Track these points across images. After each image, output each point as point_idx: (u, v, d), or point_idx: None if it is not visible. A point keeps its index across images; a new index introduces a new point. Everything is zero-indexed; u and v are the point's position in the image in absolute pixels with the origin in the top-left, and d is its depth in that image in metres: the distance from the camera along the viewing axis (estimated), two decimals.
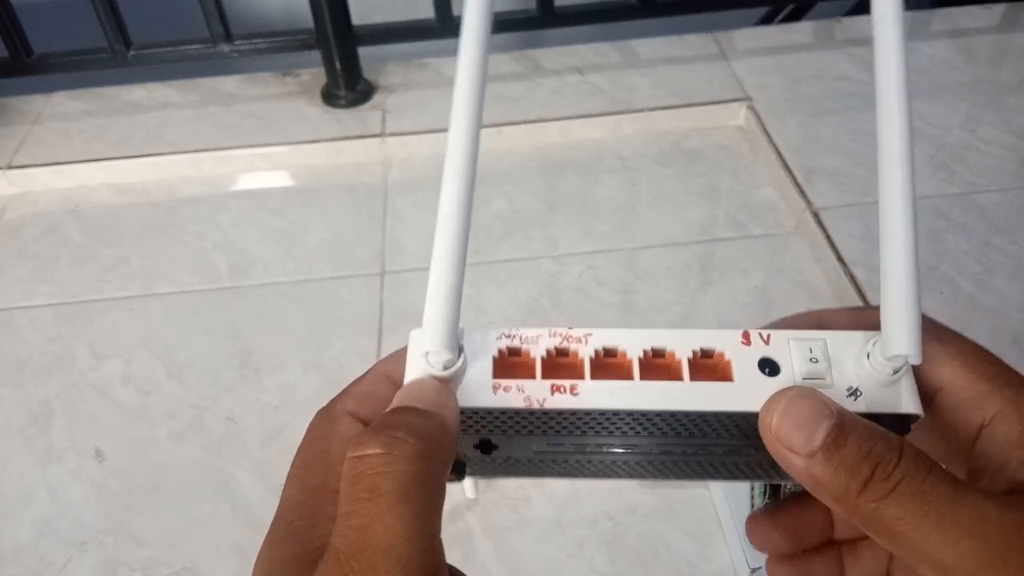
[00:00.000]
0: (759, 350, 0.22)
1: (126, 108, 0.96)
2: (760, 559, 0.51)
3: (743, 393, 0.21)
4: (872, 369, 0.21)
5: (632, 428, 0.22)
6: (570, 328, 0.22)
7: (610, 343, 0.22)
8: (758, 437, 0.21)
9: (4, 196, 0.87)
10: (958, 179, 0.78)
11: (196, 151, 0.88)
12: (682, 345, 0.22)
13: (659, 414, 0.22)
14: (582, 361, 0.22)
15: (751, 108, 0.89)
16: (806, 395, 0.20)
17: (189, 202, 0.85)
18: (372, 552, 0.18)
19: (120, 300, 0.74)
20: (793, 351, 0.22)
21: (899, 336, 0.20)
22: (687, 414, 0.22)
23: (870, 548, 0.26)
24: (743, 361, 0.22)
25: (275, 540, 0.21)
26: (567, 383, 0.21)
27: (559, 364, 0.22)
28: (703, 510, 0.56)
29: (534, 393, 0.21)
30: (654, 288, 0.71)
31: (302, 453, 0.22)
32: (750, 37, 1.00)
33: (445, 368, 0.21)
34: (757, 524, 0.26)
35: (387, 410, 0.21)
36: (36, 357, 0.70)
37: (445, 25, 0.89)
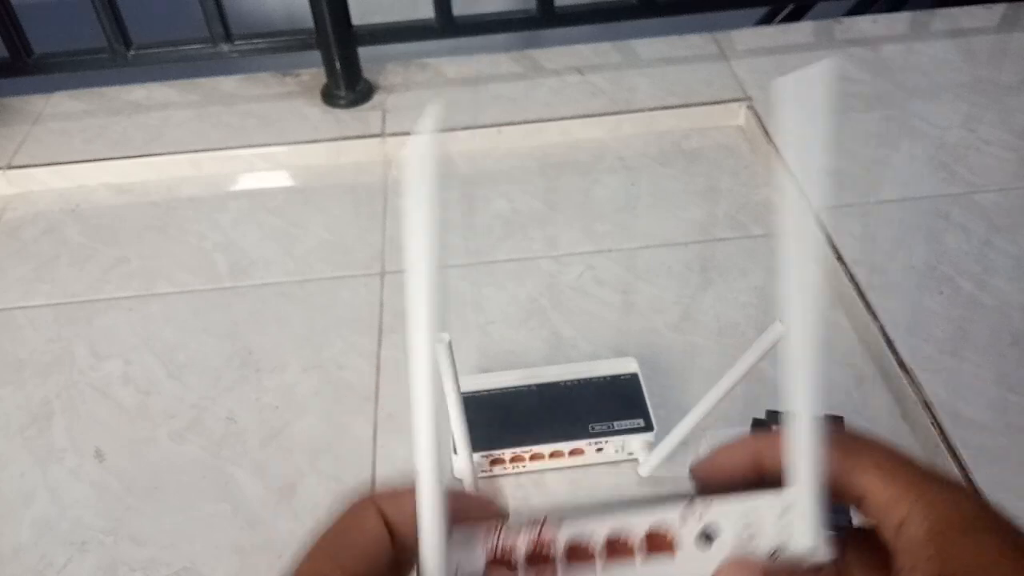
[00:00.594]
0: (698, 523, 0.26)
1: (126, 108, 0.96)
2: None
3: (686, 564, 0.26)
4: (789, 537, 0.26)
5: None
6: (545, 518, 0.27)
7: (575, 533, 0.26)
8: None
9: (4, 196, 0.87)
10: (958, 179, 0.78)
11: (196, 151, 0.88)
12: (636, 528, 0.26)
13: None
14: (556, 553, 0.26)
15: (751, 108, 0.89)
16: (741, 567, 0.25)
17: (189, 202, 0.85)
18: None
19: (120, 300, 0.74)
20: (727, 521, 0.26)
21: (806, 536, 0.25)
22: None
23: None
24: (685, 533, 0.26)
25: None
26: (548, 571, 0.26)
27: (537, 556, 0.27)
28: None
29: None
30: (654, 288, 0.71)
31: (331, 536, 0.27)
32: (750, 37, 1.00)
33: None
34: None
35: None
36: (36, 357, 0.70)
37: (445, 25, 0.89)
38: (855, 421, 0.58)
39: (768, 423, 0.55)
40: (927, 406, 0.59)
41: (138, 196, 0.86)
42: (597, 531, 0.26)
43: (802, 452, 0.25)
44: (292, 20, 0.96)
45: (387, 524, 0.27)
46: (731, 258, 0.74)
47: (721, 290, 0.71)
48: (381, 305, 0.72)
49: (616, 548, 0.26)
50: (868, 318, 0.65)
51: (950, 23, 1.00)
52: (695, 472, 0.29)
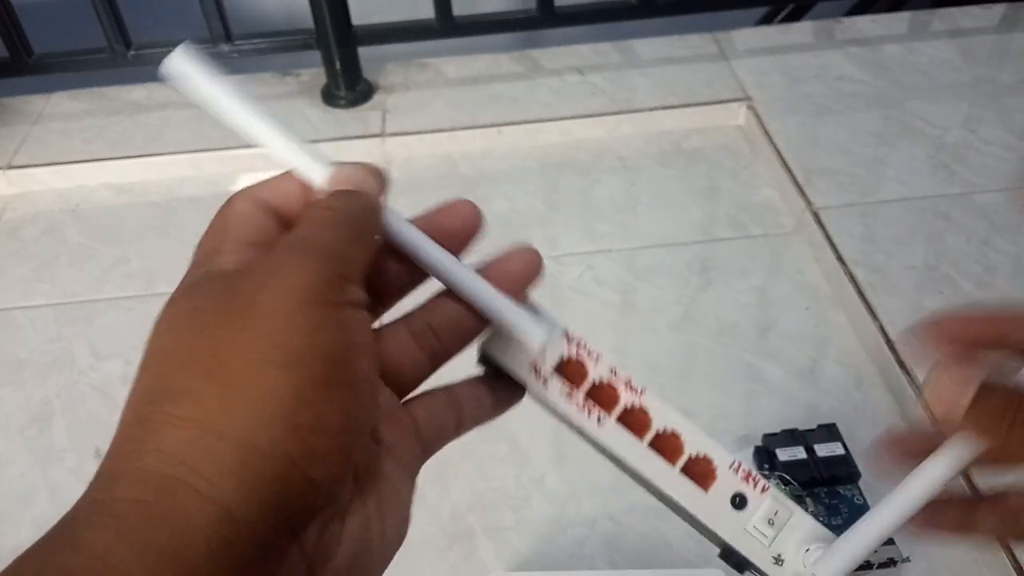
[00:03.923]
0: (742, 485, 0.26)
1: (126, 108, 0.96)
2: None
3: (706, 505, 0.26)
4: (803, 561, 0.26)
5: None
6: (631, 377, 0.26)
7: (645, 404, 0.26)
8: (703, 528, 0.26)
9: (4, 196, 0.87)
10: (958, 179, 0.78)
11: (196, 151, 0.88)
12: (694, 442, 0.26)
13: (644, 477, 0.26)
14: (618, 402, 0.26)
15: (751, 108, 0.89)
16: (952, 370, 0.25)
17: (189, 202, 0.85)
18: (290, 247, 0.22)
19: (120, 300, 0.74)
20: (764, 503, 0.26)
21: (826, 571, 0.25)
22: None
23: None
24: (725, 483, 0.26)
25: (192, 275, 0.23)
26: (598, 413, 0.26)
27: (603, 391, 0.26)
28: None
29: (571, 402, 0.26)
30: (654, 288, 0.71)
31: (207, 230, 0.25)
32: (750, 37, 1.00)
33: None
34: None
35: (329, 192, 0.25)
36: (36, 357, 0.70)
37: (445, 25, 0.89)
38: (855, 421, 0.58)
39: (770, 449, 0.54)
40: (927, 406, 0.59)
41: (138, 196, 0.86)
42: (661, 418, 0.26)
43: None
44: (292, 20, 0.96)
45: (272, 210, 0.25)
46: (731, 258, 0.74)
47: (721, 290, 0.71)
48: None
49: (663, 444, 0.26)
50: (868, 318, 0.65)
51: (950, 23, 1.00)
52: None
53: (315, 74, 0.97)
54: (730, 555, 0.27)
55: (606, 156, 0.87)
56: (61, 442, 0.63)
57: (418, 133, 0.88)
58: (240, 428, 0.19)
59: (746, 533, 0.26)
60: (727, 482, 0.26)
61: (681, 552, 0.54)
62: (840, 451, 0.54)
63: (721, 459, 0.26)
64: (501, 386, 0.27)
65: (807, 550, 0.26)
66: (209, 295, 0.21)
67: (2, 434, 0.64)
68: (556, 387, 0.26)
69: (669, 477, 0.26)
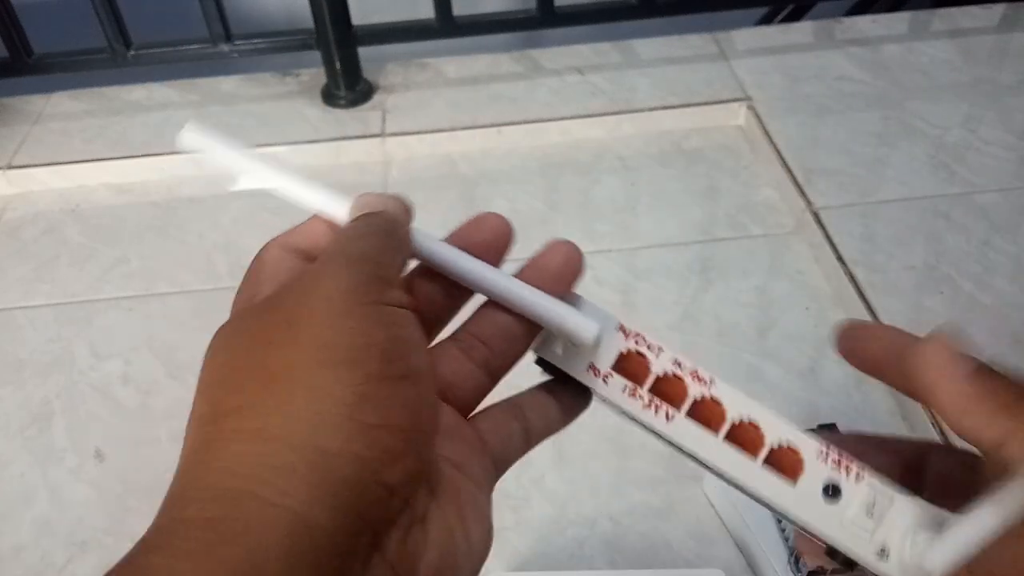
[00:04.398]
0: (833, 474, 0.24)
1: (126, 108, 0.96)
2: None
3: (796, 500, 0.24)
4: (909, 551, 0.23)
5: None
6: (697, 368, 0.25)
7: (717, 394, 0.25)
8: (796, 521, 0.24)
9: (4, 196, 0.87)
10: (958, 179, 0.78)
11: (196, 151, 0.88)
12: (774, 431, 0.24)
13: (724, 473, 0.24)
14: (687, 395, 0.24)
15: (751, 108, 0.89)
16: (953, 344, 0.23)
17: (189, 202, 0.85)
18: (332, 256, 0.22)
19: (120, 300, 0.74)
20: (860, 492, 0.24)
21: (940, 562, 0.22)
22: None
23: None
24: (813, 474, 0.24)
25: (221, 328, 0.24)
26: (666, 408, 0.24)
27: (669, 383, 0.25)
28: (703, 509, 0.55)
29: (635, 400, 0.24)
30: (654, 288, 0.71)
31: (243, 280, 0.26)
32: (750, 37, 1.00)
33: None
34: None
35: (354, 217, 0.25)
36: (36, 357, 0.70)
37: (445, 25, 0.89)
38: (855, 421, 0.58)
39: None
40: (927, 406, 0.59)
41: (138, 196, 0.86)
42: (736, 407, 0.24)
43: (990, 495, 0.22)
44: (292, 20, 0.96)
45: (302, 253, 0.25)
46: (731, 258, 0.74)
47: (721, 290, 0.71)
48: None
49: (743, 435, 0.24)
50: (868, 318, 0.65)
51: (950, 23, 1.00)
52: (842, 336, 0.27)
53: (315, 74, 0.97)
54: (835, 553, 0.25)
55: (606, 156, 0.87)
56: (61, 442, 0.63)
57: (418, 133, 0.88)
58: (305, 432, 0.18)
59: (843, 527, 0.23)
60: (816, 472, 0.24)
61: (681, 552, 0.54)
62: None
63: (808, 447, 0.24)
64: (566, 392, 0.26)
65: (913, 540, 0.23)
66: (253, 316, 0.22)
67: (2, 434, 0.64)
68: (618, 385, 0.24)
69: (751, 472, 0.24)
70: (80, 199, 0.86)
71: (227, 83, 0.98)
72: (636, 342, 0.25)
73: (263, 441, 0.19)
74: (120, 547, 0.62)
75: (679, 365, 0.25)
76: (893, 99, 0.89)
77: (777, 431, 0.24)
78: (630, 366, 0.25)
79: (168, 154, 0.88)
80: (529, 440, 0.25)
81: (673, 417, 0.24)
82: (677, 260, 0.74)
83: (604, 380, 0.24)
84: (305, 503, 0.18)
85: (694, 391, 0.24)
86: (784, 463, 0.24)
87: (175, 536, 0.18)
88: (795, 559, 0.49)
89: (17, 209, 0.86)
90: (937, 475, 0.26)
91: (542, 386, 0.26)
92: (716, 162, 0.85)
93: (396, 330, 0.21)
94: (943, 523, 0.23)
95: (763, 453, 0.24)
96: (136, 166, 0.88)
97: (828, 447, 0.24)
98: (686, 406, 0.24)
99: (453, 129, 0.88)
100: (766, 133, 0.85)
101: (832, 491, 0.24)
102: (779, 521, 0.51)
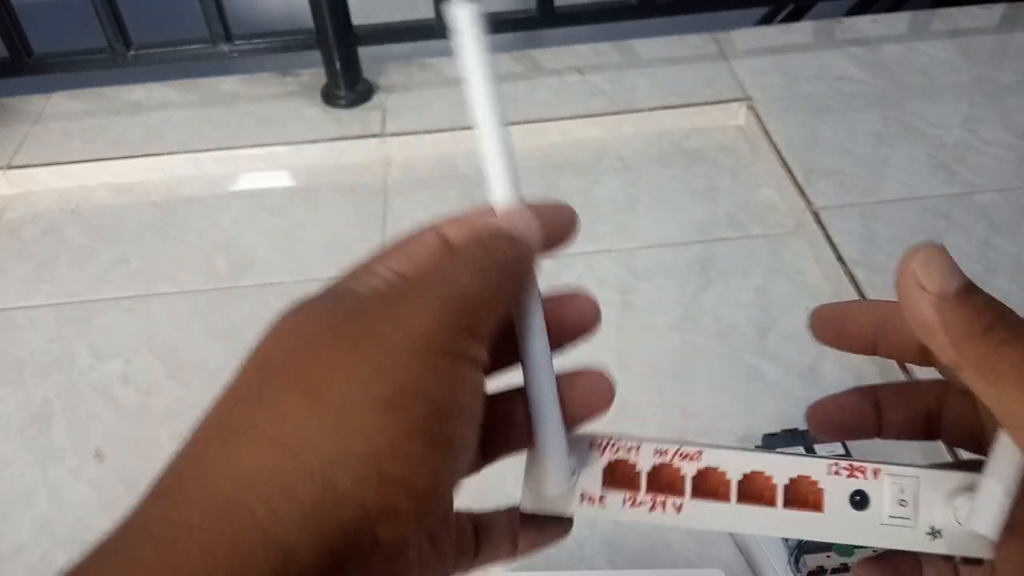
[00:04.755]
0: (852, 482, 0.23)
1: (126, 108, 0.96)
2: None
3: (831, 524, 0.23)
4: (955, 520, 0.23)
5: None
6: (679, 445, 0.24)
7: (711, 463, 0.24)
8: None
9: (4, 196, 0.87)
10: (958, 179, 0.78)
11: (196, 151, 0.88)
12: (779, 470, 0.24)
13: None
14: (683, 477, 0.24)
15: (751, 108, 0.89)
16: (943, 252, 0.22)
17: (189, 202, 0.85)
18: (433, 281, 0.20)
19: (120, 300, 0.74)
20: (885, 487, 0.23)
21: (988, 520, 0.22)
22: None
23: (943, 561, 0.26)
24: (835, 491, 0.23)
25: (341, 283, 0.22)
26: (671, 500, 0.23)
27: (662, 474, 0.24)
28: None
29: (639, 507, 0.24)
30: (654, 288, 0.71)
31: (383, 250, 0.24)
32: (750, 37, 1.00)
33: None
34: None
35: (487, 229, 0.23)
36: (36, 357, 0.70)
37: (445, 25, 0.88)
38: None
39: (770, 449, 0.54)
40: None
41: (138, 196, 0.86)
42: (734, 466, 0.24)
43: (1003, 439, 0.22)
44: (292, 20, 0.96)
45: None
46: (731, 258, 0.74)
47: (721, 290, 0.71)
48: None
49: (752, 490, 0.23)
50: None
51: (950, 23, 1.00)
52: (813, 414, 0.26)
53: (315, 74, 0.97)
54: (890, 554, 0.25)
55: (606, 156, 0.87)
56: (61, 442, 0.63)
57: (418, 133, 0.88)
58: (322, 461, 0.18)
59: (887, 527, 0.23)
60: (837, 489, 0.23)
61: (681, 552, 0.54)
62: (840, 451, 0.54)
63: (817, 469, 0.24)
64: (550, 522, 0.25)
65: (955, 508, 0.23)
66: (331, 311, 0.21)
67: (2, 434, 0.64)
68: (615, 501, 0.24)
69: (779, 520, 0.23)
70: (80, 199, 0.86)
71: (227, 83, 0.98)
72: (614, 450, 0.24)
73: (277, 454, 0.18)
74: None
75: (663, 453, 0.24)
76: (893, 99, 0.89)
77: (782, 468, 0.24)
78: (618, 476, 0.24)
79: (168, 154, 0.88)
80: (514, 552, 0.25)
81: (682, 506, 0.23)
82: (677, 260, 0.74)
83: (600, 503, 0.24)
84: (294, 535, 0.17)
85: (688, 470, 0.24)
86: (804, 496, 0.24)
87: (161, 540, 0.18)
88: (795, 559, 0.49)
89: (17, 209, 0.86)
90: (955, 417, 0.26)
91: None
92: (716, 162, 0.85)
93: (459, 392, 0.20)
94: (973, 484, 0.23)
95: (780, 497, 0.23)
96: (136, 166, 0.88)
97: (835, 461, 0.24)
98: (688, 489, 0.24)
99: (453, 129, 0.88)
100: (766, 133, 0.85)
101: (860, 499, 0.23)
102: None
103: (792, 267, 0.73)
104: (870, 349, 0.26)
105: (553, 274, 0.73)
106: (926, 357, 0.25)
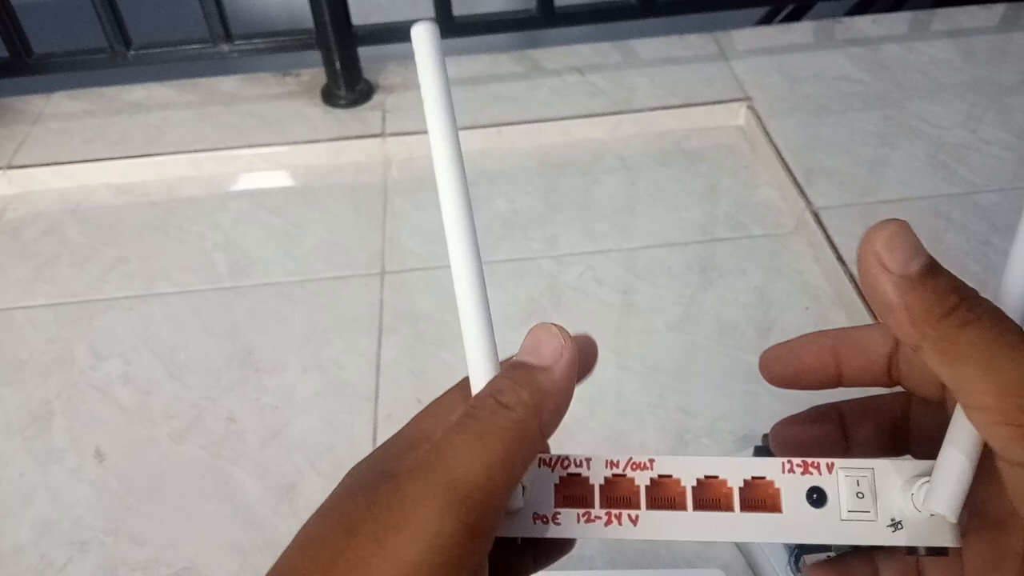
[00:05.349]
0: (807, 479, 0.23)
1: (126, 108, 0.96)
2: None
3: (791, 524, 0.23)
4: (915, 507, 0.22)
5: None
6: (630, 456, 0.23)
7: (664, 471, 0.23)
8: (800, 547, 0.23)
9: (4, 196, 0.87)
10: (958, 179, 0.78)
11: (196, 151, 0.88)
12: (733, 473, 0.23)
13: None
14: (638, 487, 0.23)
15: (751, 108, 0.89)
16: (907, 230, 0.22)
17: (189, 202, 0.85)
18: (435, 470, 0.20)
19: (120, 300, 0.74)
20: (841, 482, 0.23)
21: (946, 499, 0.22)
22: None
23: (902, 560, 0.25)
24: (791, 490, 0.23)
25: (367, 461, 0.22)
26: (626, 513, 0.23)
27: (615, 487, 0.23)
28: None
29: (595, 523, 0.23)
30: (654, 288, 0.71)
31: (423, 411, 0.24)
32: (750, 37, 1.00)
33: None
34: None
35: (510, 363, 0.22)
36: (36, 357, 0.70)
37: (445, 25, 0.89)
38: None
39: (770, 449, 0.54)
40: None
41: (138, 196, 0.86)
42: (687, 472, 0.23)
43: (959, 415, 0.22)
44: (292, 20, 0.96)
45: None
46: (731, 258, 0.74)
47: (721, 290, 0.71)
48: (381, 305, 0.72)
49: (708, 495, 0.23)
50: (868, 318, 0.65)
51: (950, 23, 1.00)
52: (765, 360, 0.26)
53: (315, 74, 0.97)
54: (841, 558, 0.24)
55: (606, 156, 0.87)
56: (61, 442, 0.63)
57: (418, 133, 0.88)
58: None
59: (848, 524, 0.23)
60: (793, 488, 0.23)
61: (681, 552, 0.54)
62: None
63: (772, 469, 0.23)
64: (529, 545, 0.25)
65: (912, 495, 0.22)
66: (342, 520, 0.21)
67: (2, 434, 0.64)
68: (570, 518, 0.23)
69: (738, 524, 0.23)
70: (80, 199, 0.86)
71: (227, 83, 0.98)
72: (564, 466, 0.23)
73: None
74: (120, 547, 0.62)
75: (614, 465, 0.23)
76: (893, 99, 0.89)
77: (736, 471, 0.23)
78: (571, 493, 0.23)
79: (168, 154, 0.88)
80: None
81: (638, 518, 0.23)
82: (677, 260, 0.74)
83: (555, 521, 0.23)
84: None
85: (641, 480, 0.23)
86: (761, 498, 0.23)
87: None
88: (795, 559, 0.49)
89: (17, 209, 0.86)
90: (922, 428, 0.25)
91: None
92: (716, 162, 0.85)
93: None
94: (929, 470, 0.22)
95: (737, 500, 0.23)
96: (136, 166, 0.88)
97: (788, 460, 0.23)
98: (643, 499, 0.23)
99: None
100: (766, 133, 0.85)
101: (817, 497, 0.23)
102: None
103: (792, 267, 0.73)
104: (834, 381, 0.25)
105: (553, 274, 0.73)
106: (893, 379, 0.24)
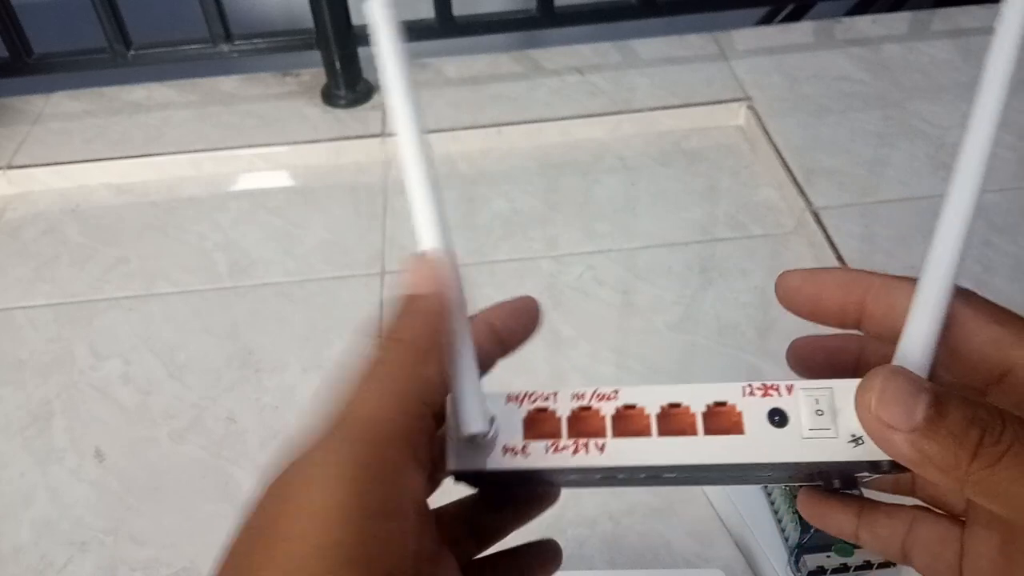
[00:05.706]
0: (768, 401, 0.23)
1: (126, 108, 0.96)
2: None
3: (754, 445, 0.23)
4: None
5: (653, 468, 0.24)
6: (596, 388, 0.24)
7: (629, 400, 0.24)
8: (771, 469, 0.23)
9: (4, 196, 0.87)
10: None
11: (196, 151, 0.88)
12: (696, 399, 0.23)
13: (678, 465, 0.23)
14: (603, 417, 0.23)
15: (751, 108, 0.89)
16: (898, 372, 0.21)
17: (189, 202, 0.85)
18: (344, 416, 0.20)
19: (120, 300, 0.74)
20: (801, 401, 0.23)
21: (916, 350, 0.22)
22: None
23: (889, 515, 0.26)
24: (752, 412, 0.23)
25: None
26: (593, 441, 0.23)
27: (582, 418, 0.24)
28: (703, 509, 0.56)
29: (562, 452, 0.23)
30: (654, 288, 0.71)
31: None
32: (750, 37, 1.00)
33: (482, 438, 0.23)
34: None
35: (398, 297, 0.23)
36: (36, 357, 0.70)
37: (445, 25, 0.89)
38: None
39: None
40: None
41: (138, 196, 0.86)
42: (651, 401, 0.23)
43: (920, 321, 0.22)
44: (292, 20, 0.96)
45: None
46: (731, 258, 0.74)
47: (721, 290, 0.71)
48: (381, 305, 0.72)
49: (672, 422, 0.23)
50: None
51: (950, 23, 1.00)
52: (794, 347, 0.26)
53: (315, 74, 0.97)
54: (826, 473, 0.24)
55: (606, 156, 0.87)
56: (61, 442, 0.63)
57: None
58: None
59: (809, 440, 0.23)
60: (754, 410, 0.23)
61: (681, 552, 0.54)
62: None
63: (732, 393, 0.24)
64: (506, 499, 0.26)
65: None
66: (257, 512, 0.21)
67: (2, 434, 0.64)
68: (539, 449, 0.23)
69: (703, 448, 0.23)
70: (80, 199, 0.86)
71: (227, 83, 0.98)
72: (532, 400, 0.24)
73: None
74: (120, 547, 0.62)
75: (580, 397, 0.24)
76: (893, 99, 0.89)
77: (698, 397, 0.24)
78: (538, 425, 0.24)
79: (168, 154, 0.88)
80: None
81: (604, 445, 0.23)
82: (677, 260, 0.74)
83: (524, 452, 0.23)
84: None
85: (607, 410, 0.24)
86: (723, 421, 0.23)
87: None
88: (795, 559, 0.49)
89: (17, 209, 0.86)
90: (874, 362, 0.25)
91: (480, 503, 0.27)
92: (716, 162, 0.85)
93: (396, 556, 0.19)
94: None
95: (700, 425, 0.23)
96: (136, 166, 0.88)
97: (749, 384, 0.24)
98: (609, 427, 0.23)
99: (453, 129, 0.88)
100: (766, 133, 0.85)
101: (778, 417, 0.23)
102: (779, 521, 0.51)
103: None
104: (852, 322, 0.25)
105: (553, 274, 0.73)
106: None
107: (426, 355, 0.22)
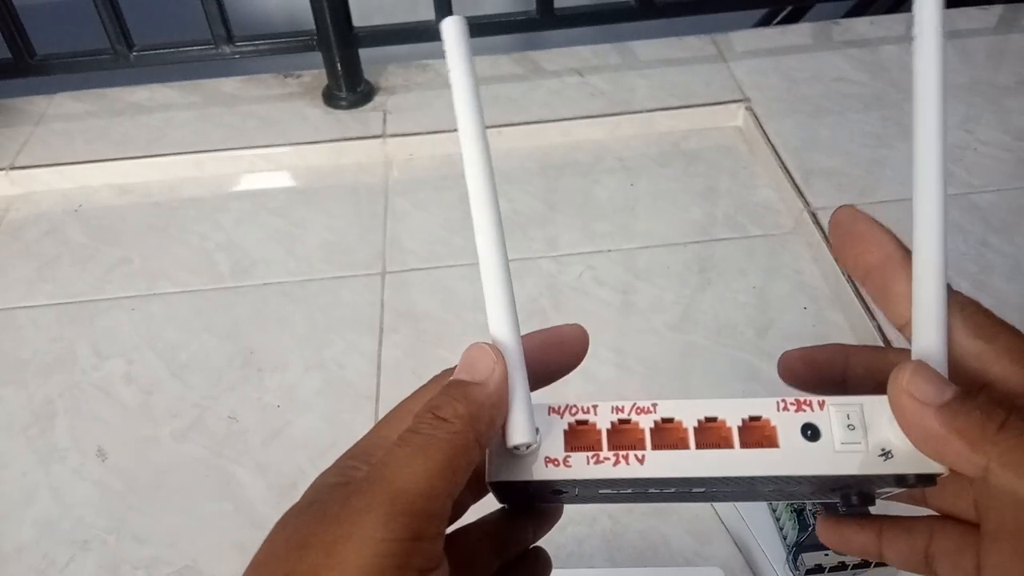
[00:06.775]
0: (801, 416, 0.24)
1: (128, 109, 0.96)
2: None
3: (788, 458, 0.24)
4: (905, 439, 0.23)
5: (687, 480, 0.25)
6: (634, 402, 0.24)
7: (667, 414, 0.24)
8: (798, 483, 0.24)
9: (7, 197, 0.88)
10: (955, 180, 0.79)
11: (198, 152, 0.88)
12: (731, 413, 0.24)
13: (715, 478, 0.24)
14: (642, 430, 0.24)
15: (749, 109, 0.89)
16: (925, 365, 0.22)
17: (191, 202, 0.85)
18: (381, 482, 0.21)
19: (122, 300, 0.75)
20: (832, 417, 0.24)
21: (929, 337, 0.23)
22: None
23: (908, 531, 0.26)
24: (786, 427, 0.24)
25: (325, 472, 0.23)
26: (633, 453, 0.24)
27: (621, 431, 0.24)
28: (702, 508, 0.56)
29: (603, 464, 0.24)
30: (654, 288, 0.72)
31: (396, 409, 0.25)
32: (748, 39, 1.00)
33: (528, 449, 0.24)
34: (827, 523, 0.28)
35: (447, 381, 0.24)
36: (39, 357, 0.70)
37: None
38: None
39: None
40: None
41: (140, 196, 0.87)
42: (688, 415, 0.24)
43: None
44: (293, 22, 0.96)
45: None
46: (730, 258, 0.74)
47: (720, 290, 0.71)
48: (382, 305, 0.72)
49: (709, 435, 0.24)
50: (866, 318, 0.65)
51: (948, 24, 0.99)
52: (784, 359, 0.27)
53: (316, 75, 0.97)
54: (848, 488, 0.25)
55: (606, 157, 0.87)
56: (63, 442, 0.63)
57: (419, 134, 0.88)
58: None
59: (841, 455, 0.23)
60: (788, 424, 0.24)
61: (680, 551, 0.54)
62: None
63: (767, 408, 0.24)
64: (530, 514, 0.27)
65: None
66: (294, 535, 0.21)
67: (4, 433, 0.64)
68: (580, 460, 0.24)
69: (739, 460, 0.24)
70: (82, 200, 0.87)
71: (229, 84, 0.99)
72: (572, 413, 0.25)
73: None
74: (122, 546, 0.63)
75: (619, 410, 0.24)
76: (891, 100, 0.89)
77: (734, 411, 0.24)
78: (580, 437, 0.24)
79: (170, 155, 0.88)
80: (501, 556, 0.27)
81: (644, 457, 0.24)
82: (676, 260, 0.74)
83: (565, 464, 0.24)
84: None
85: (646, 423, 0.24)
86: (758, 435, 0.24)
87: None
88: (792, 557, 0.49)
89: (20, 210, 0.86)
90: (860, 373, 0.26)
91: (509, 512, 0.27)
92: (715, 163, 0.86)
93: None
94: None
95: (736, 438, 0.24)
96: (138, 167, 0.88)
97: (782, 398, 0.24)
98: (648, 440, 0.24)
99: (454, 130, 0.88)
100: (764, 134, 0.85)
101: (811, 431, 0.24)
102: (777, 519, 0.52)
103: (790, 267, 0.73)
104: (838, 382, 0.26)
105: (553, 274, 0.73)
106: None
107: (480, 443, 0.23)
